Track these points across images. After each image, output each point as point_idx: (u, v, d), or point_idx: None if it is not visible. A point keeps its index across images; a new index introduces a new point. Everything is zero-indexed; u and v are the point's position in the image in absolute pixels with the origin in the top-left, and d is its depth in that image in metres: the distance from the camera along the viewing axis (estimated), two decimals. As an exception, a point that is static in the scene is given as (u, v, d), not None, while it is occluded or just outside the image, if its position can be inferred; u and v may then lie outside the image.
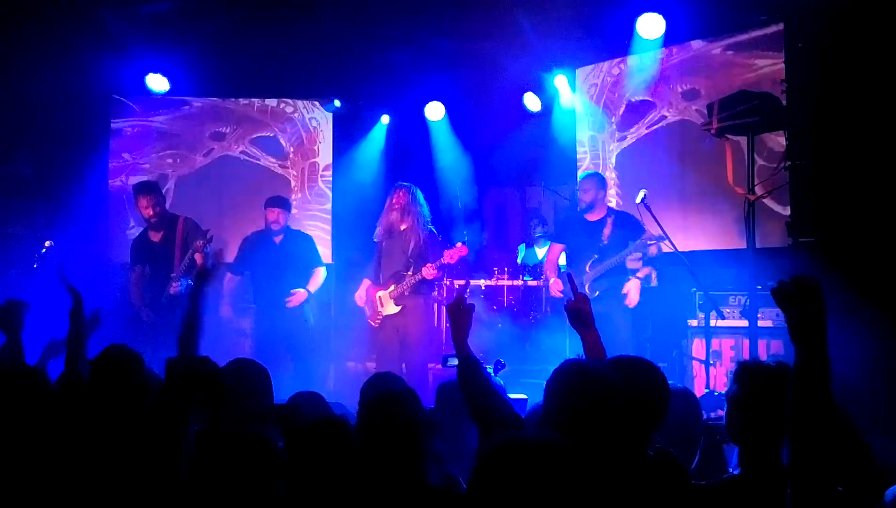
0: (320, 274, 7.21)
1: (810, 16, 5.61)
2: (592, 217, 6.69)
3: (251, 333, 7.36)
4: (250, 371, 3.57)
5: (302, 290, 6.97)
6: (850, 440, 2.79)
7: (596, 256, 6.54)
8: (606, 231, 6.54)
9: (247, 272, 7.16)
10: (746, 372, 2.65)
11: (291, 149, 9.18)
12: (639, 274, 6.58)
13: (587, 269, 6.57)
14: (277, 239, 7.11)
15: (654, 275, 6.89)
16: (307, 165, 9.23)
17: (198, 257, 6.37)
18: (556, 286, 6.78)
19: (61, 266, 4.05)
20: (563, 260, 7.04)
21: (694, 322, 6.59)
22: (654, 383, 2.68)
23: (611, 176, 8.26)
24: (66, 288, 3.72)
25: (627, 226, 6.51)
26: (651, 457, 2.53)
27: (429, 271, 6.47)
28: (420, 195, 7.04)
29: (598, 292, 6.40)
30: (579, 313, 3.13)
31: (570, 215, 7.07)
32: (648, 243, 6.36)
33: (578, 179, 6.91)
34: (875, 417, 3.86)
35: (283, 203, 7.24)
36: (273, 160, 9.16)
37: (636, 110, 8.02)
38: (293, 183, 9.16)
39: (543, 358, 6.88)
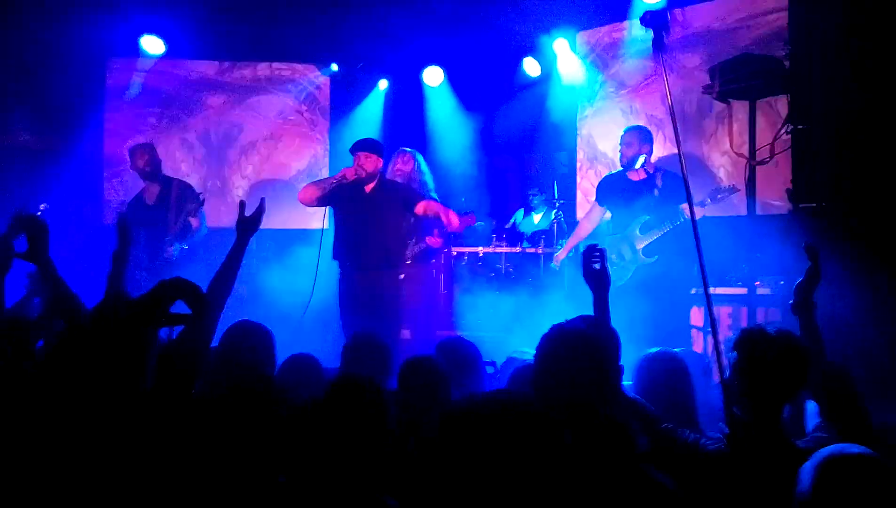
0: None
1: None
2: (636, 176, 6.28)
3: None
4: (252, 335, 3.55)
5: None
6: (851, 404, 2.79)
7: (647, 217, 6.14)
8: (657, 189, 6.10)
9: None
10: (748, 340, 2.64)
11: (304, 109, 9.09)
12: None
13: (637, 232, 6.20)
14: (368, 188, 6.07)
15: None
16: (306, 130, 9.17)
17: (192, 221, 6.34)
18: (561, 253, 6.63)
19: (123, 216, 4.05)
20: (596, 221, 6.66)
21: (693, 290, 6.53)
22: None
23: (601, 144, 8.22)
24: (120, 231, 3.73)
25: (677, 186, 5.90)
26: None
27: (434, 240, 6.42)
28: (423, 161, 7.00)
29: (656, 257, 6.13)
30: (596, 273, 3.08)
31: (610, 176, 6.60)
32: (718, 196, 5.96)
33: (621, 133, 6.43)
34: (877, 381, 3.84)
35: (373, 146, 6.09)
36: (282, 121, 9.08)
37: (637, 73, 7.94)
38: (318, 143, 9.06)
39: (540, 325, 6.85)
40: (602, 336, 2.60)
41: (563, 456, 1.66)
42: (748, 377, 2.56)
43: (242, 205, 3.53)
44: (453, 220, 5.74)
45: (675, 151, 7.16)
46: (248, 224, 3.40)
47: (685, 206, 5.90)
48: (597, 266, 3.11)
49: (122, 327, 2.08)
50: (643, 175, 6.24)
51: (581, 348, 2.52)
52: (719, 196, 6.00)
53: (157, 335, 2.44)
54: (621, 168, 6.38)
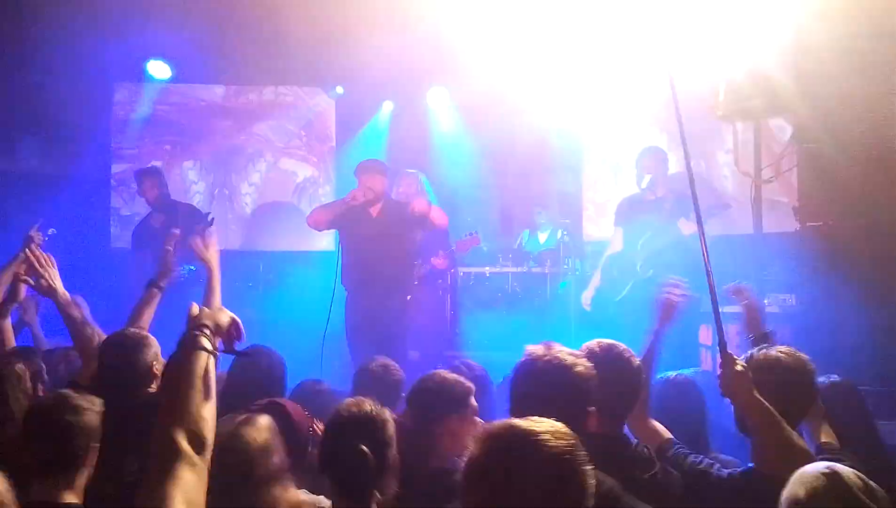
0: None
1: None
2: (652, 196, 6.30)
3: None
4: (263, 359, 3.56)
5: None
6: (862, 421, 2.77)
7: (649, 233, 6.18)
8: (667, 206, 6.11)
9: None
10: (756, 361, 2.62)
11: (303, 134, 9.14)
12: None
13: (637, 248, 6.23)
14: (374, 211, 6.13)
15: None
16: (326, 150, 9.22)
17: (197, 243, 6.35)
18: (585, 299, 6.61)
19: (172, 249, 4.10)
20: (619, 245, 6.63)
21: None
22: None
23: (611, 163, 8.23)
24: (163, 262, 3.79)
25: (686, 203, 5.91)
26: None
27: (439, 261, 6.41)
28: (427, 183, 7.01)
29: (651, 271, 6.11)
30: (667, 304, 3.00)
31: (627, 198, 6.62)
32: (713, 212, 5.88)
33: (637, 156, 6.49)
34: (885, 399, 3.83)
35: (378, 168, 6.14)
36: (288, 144, 9.13)
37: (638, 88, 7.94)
38: (311, 169, 9.12)
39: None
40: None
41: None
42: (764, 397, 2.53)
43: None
44: (436, 218, 5.97)
45: (683, 169, 7.17)
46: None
47: (682, 221, 5.92)
48: (673, 298, 2.98)
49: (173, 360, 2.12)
50: (659, 194, 6.26)
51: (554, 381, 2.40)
52: (713, 211, 5.97)
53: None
54: (639, 189, 6.39)
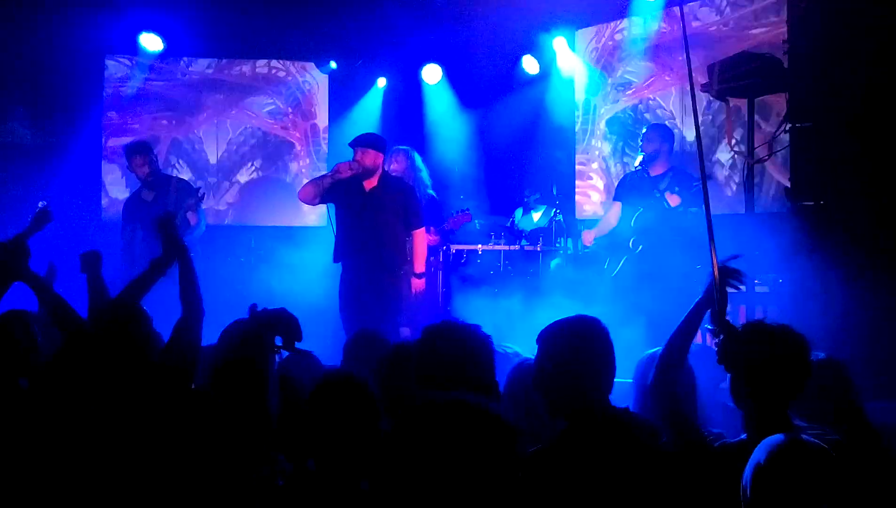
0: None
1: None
2: (654, 171, 6.29)
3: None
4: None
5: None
6: (847, 401, 2.78)
7: (641, 209, 6.21)
8: (663, 186, 6.15)
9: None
10: (751, 333, 2.63)
11: (290, 110, 9.11)
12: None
13: (631, 224, 6.27)
14: (368, 185, 6.00)
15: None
16: (308, 127, 9.18)
17: (190, 217, 6.33)
18: (587, 236, 6.65)
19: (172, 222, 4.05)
20: (614, 220, 6.63)
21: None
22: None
23: (600, 143, 8.24)
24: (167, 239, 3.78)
25: (682, 181, 6.12)
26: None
27: (430, 238, 6.40)
28: (419, 159, 6.99)
29: (641, 247, 6.16)
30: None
31: (630, 173, 6.64)
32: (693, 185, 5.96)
33: (643, 131, 6.53)
34: (876, 378, 3.85)
35: (372, 141, 6.02)
36: (271, 122, 9.10)
37: (634, 74, 7.94)
38: (297, 146, 9.11)
39: (539, 323, 6.85)
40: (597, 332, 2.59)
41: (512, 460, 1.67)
42: (753, 372, 2.54)
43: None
44: (417, 285, 6.15)
45: (684, 148, 7.18)
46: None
47: (668, 194, 5.94)
48: (728, 288, 2.84)
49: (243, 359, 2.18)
50: (660, 171, 6.28)
51: (590, 344, 2.54)
52: (693, 185, 5.98)
53: (273, 361, 2.59)
54: (639, 166, 6.39)
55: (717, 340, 2.70)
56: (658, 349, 3.25)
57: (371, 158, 5.86)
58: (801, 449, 1.93)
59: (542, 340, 2.62)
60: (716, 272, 2.82)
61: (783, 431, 2.26)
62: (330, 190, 5.90)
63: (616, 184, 6.77)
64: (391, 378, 2.98)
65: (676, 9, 7.43)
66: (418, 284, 6.16)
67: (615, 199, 6.66)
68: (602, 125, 8.23)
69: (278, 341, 2.17)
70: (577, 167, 8.52)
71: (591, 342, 2.58)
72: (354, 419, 2.34)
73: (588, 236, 6.71)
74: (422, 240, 6.14)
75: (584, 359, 2.54)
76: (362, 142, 5.92)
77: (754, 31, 6.92)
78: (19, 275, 3.60)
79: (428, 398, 1.75)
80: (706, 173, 5.07)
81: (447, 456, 1.59)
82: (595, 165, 8.36)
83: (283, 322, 2.08)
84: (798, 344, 2.58)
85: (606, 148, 8.26)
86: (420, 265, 6.14)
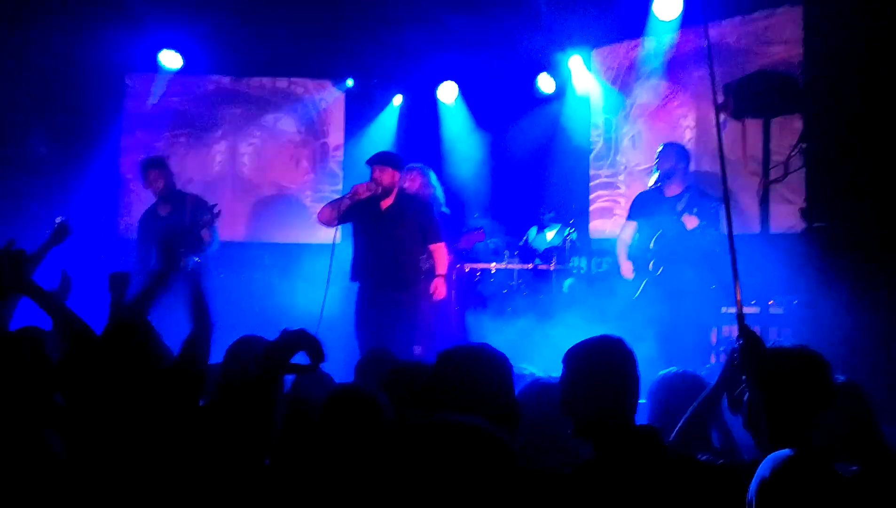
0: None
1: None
2: (670, 192, 6.20)
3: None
4: (255, 349, 3.55)
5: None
6: (865, 426, 2.75)
7: (660, 231, 6.11)
8: (680, 207, 6.03)
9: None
10: (770, 357, 2.62)
11: (302, 129, 9.17)
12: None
13: (651, 245, 6.19)
14: (385, 204, 6.06)
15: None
16: (318, 146, 9.22)
17: (204, 234, 6.37)
18: (626, 268, 6.48)
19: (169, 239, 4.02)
20: (628, 238, 6.55)
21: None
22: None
23: (622, 159, 8.23)
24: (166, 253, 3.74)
25: (700, 202, 5.98)
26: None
27: (445, 256, 6.39)
28: (433, 176, 7.01)
29: (661, 268, 6.08)
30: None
31: (647, 193, 6.52)
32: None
33: (657, 150, 6.42)
34: (888, 402, 3.81)
35: (389, 159, 6.06)
36: (298, 135, 9.16)
37: (651, 92, 7.94)
38: (306, 163, 9.16)
39: (553, 342, 6.83)
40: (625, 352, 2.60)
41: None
42: (772, 394, 2.53)
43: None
44: (439, 286, 6.04)
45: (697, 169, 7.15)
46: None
47: (686, 216, 5.89)
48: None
49: (257, 378, 2.22)
50: (676, 191, 6.20)
51: (618, 364, 2.55)
52: (712, 206, 5.94)
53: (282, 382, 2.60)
54: (655, 184, 6.35)
55: (736, 345, 2.69)
56: (672, 369, 3.25)
57: (388, 176, 5.90)
58: (804, 464, 1.93)
59: (568, 360, 2.60)
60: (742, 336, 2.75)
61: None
62: (347, 211, 5.94)
63: (632, 203, 6.69)
64: (398, 397, 2.98)
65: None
66: (440, 285, 6.07)
67: (630, 218, 6.60)
68: (627, 141, 8.22)
69: (302, 359, 2.20)
70: (604, 180, 8.48)
71: (619, 361, 2.57)
72: (362, 433, 2.35)
73: (628, 271, 6.58)
74: (442, 252, 6.14)
75: (614, 380, 2.52)
76: (380, 160, 5.96)
77: (771, 49, 6.91)
78: (20, 287, 3.42)
79: (425, 419, 1.74)
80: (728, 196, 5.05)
81: (436, 478, 1.58)
82: (622, 177, 8.35)
83: (306, 343, 2.11)
84: (821, 366, 2.56)
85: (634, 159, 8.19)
86: (442, 268, 6.09)
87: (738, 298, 2.83)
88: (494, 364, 2.62)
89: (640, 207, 6.50)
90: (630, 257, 6.43)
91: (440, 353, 2.65)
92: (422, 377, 2.94)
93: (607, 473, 2.39)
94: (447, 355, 2.63)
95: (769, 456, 1.99)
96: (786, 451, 1.99)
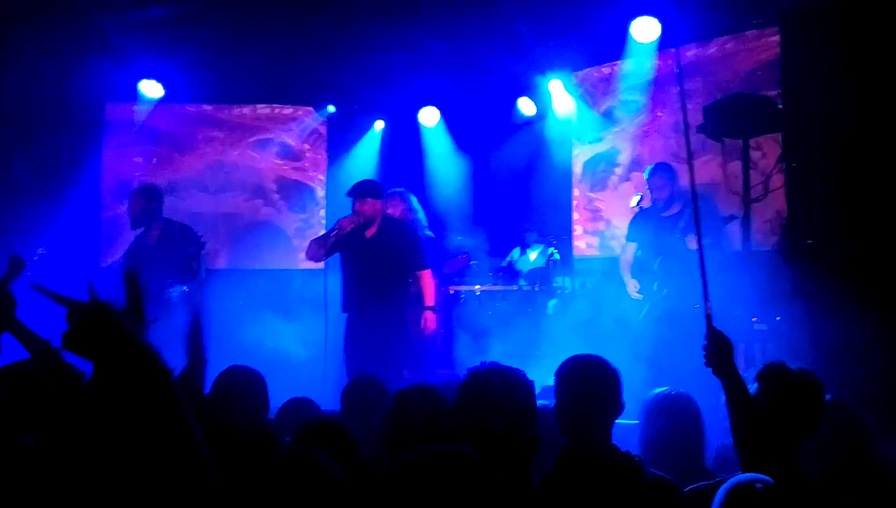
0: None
1: (807, 19, 5.62)
2: (669, 213, 6.20)
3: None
4: (244, 380, 3.54)
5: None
6: (854, 443, 2.77)
7: (664, 254, 6.08)
8: (681, 224, 5.98)
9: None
10: (772, 373, 2.63)
11: (307, 147, 9.17)
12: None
13: (655, 267, 6.18)
14: (369, 233, 6.09)
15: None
16: (300, 172, 9.24)
17: (192, 263, 6.34)
18: (633, 287, 6.47)
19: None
20: (630, 258, 6.56)
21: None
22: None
23: (604, 178, 8.30)
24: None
25: (703, 221, 5.96)
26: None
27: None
28: (414, 201, 7.04)
29: (665, 291, 6.08)
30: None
31: (644, 213, 6.48)
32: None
33: (645, 175, 6.39)
34: (876, 415, 3.85)
35: (369, 189, 6.07)
36: (280, 162, 9.15)
37: (630, 112, 8.03)
38: (315, 184, 9.14)
39: (539, 364, 6.83)
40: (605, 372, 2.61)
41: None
42: (770, 409, 2.55)
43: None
44: (428, 318, 6.08)
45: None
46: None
47: (690, 237, 5.89)
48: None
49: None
50: (675, 210, 6.18)
51: (593, 381, 2.59)
52: (720, 223, 5.96)
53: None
54: (648, 204, 6.34)
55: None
56: (665, 388, 3.26)
57: (370, 206, 5.93)
58: (748, 492, 1.95)
59: (555, 377, 2.66)
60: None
61: (790, 472, 2.27)
62: (334, 245, 5.98)
63: (629, 223, 6.67)
64: (394, 425, 2.97)
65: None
66: (430, 319, 6.12)
67: (629, 239, 6.57)
68: (607, 162, 8.29)
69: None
70: (586, 198, 8.54)
71: (594, 379, 2.59)
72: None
73: (634, 290, 6.48)
74: (429, 279, 6.18)
75: (588, 397, 2.56)
76: (360, 192, 5.99)
77: (749, 70, 7.00)
78: (8, 325, 3.39)
79: (419, 451, 1.73)
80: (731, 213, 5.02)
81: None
82: (604, 197, 8.42)
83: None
84: (808, 382, 2.59)
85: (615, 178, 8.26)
86: (430, 299, 6.13)
87: (707, 301, 2.87)
88: (524, 386, 2.60)
89: (640, 228, 6.45)
90: (634, 276, 6.42)
91: (471, 371, 2.60)
92: (429, 397, 2.94)
93: (560, 490, 2.41)
94: (478, 374, 2.59)
95: (729, 481, 2.01)
96: (741, 477, 2.01)
